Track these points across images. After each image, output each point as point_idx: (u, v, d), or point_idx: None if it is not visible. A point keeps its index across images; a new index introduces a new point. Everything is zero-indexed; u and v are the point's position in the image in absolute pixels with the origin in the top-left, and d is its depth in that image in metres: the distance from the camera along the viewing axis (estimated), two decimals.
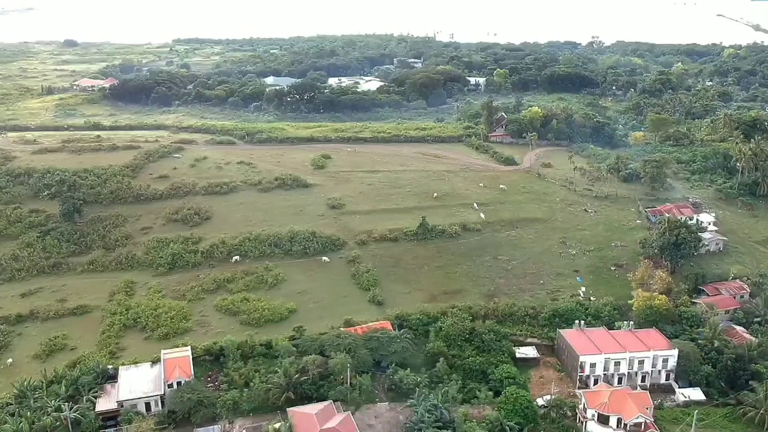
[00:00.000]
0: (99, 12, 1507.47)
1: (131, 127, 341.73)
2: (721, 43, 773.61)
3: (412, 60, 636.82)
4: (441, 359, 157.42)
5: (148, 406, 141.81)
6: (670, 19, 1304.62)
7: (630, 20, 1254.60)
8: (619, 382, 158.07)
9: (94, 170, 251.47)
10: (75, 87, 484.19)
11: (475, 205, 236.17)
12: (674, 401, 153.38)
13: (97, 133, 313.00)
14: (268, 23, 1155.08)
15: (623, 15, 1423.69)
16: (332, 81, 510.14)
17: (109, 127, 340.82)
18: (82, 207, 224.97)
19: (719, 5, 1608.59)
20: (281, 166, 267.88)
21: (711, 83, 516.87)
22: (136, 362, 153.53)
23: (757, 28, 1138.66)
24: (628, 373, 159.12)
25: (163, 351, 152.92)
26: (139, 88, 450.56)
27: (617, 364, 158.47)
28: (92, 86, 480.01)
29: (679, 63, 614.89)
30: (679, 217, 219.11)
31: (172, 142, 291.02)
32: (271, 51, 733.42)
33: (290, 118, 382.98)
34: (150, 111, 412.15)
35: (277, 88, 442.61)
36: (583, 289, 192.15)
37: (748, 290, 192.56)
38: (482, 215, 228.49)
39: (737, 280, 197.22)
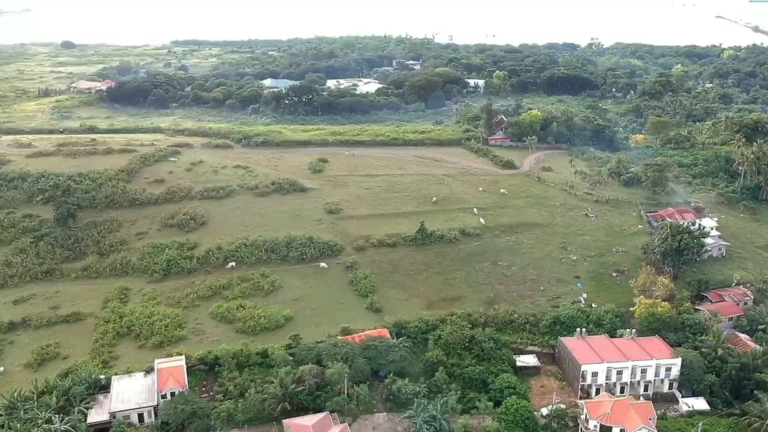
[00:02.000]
0: (96, 13, 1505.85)
1: (127, 130, 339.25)
2: (721, 44, 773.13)
3: (411, 62, 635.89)
4: (440, 368, 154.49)
5: (141, 417, 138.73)
6: (669, 21, 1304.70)
7: (629, 22, 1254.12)
8: (622, 391, 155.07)
9: (89, 174, 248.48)
10: (72, 89, 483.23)
11: (474, 209, 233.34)
12: (678, 411, 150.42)
13: (92, 136, 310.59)
14: (267, 25, 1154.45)
15: (622, 17, 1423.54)
16: (330, 83, 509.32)
17: (105, 130, 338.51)
18: (77, 212, 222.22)
19: (718, 7, 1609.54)
20: (278, 170, 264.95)
21: (711, 85, 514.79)
22: (129, 372, 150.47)
23: (756, 29, 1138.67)
24: (631, 382, 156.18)
25: (156, 360, 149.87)
26: (136, 90, 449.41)
27: (619, 373, 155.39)
28: (89, 88, 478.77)
29: (679, 65, 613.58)
30: (681, 222, 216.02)
31: (168, 146, 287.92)
32: (269, 53, 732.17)
33: (288, 121, 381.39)
34: (147, 113, 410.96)
35: (275, 90, 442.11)
36: (585, 295, 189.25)
37: (752, 297, 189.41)
38: (482, 220, 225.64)
39: (741, 287, 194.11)
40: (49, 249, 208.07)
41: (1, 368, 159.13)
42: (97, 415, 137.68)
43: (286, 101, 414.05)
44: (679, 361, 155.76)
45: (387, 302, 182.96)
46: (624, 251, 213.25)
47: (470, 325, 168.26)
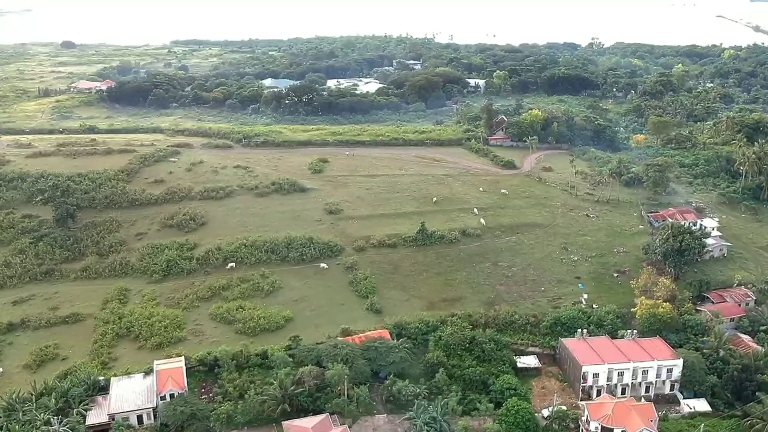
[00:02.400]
0: (97, 13, 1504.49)
1: (127, 130, 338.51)
2: (721, 44, 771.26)
3: (411, 62, 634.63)
4: (440, 369, 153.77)
5: (140, 419, 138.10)
6: (669, 21, 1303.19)
7: (629, 21, 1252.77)
8: (623, 392, 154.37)
9: (88, 175, 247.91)
10: (72, 89, 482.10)
11: (475, 210, 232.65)
12: (679, 413, 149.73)
13: (92, 136, 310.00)
14: (267, 25, 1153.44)
15: (622, 16, 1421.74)
16: (331, 83, 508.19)
17: (105, 130, 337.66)
18: (76, 212, 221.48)
19: (719, 6, 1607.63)
20: (278, 170, 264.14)
21: (712, 85, 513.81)
22: (129, 373, 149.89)
23: (757, 29, 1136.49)
24: (632, 383, 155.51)
25: (155, 362, 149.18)
26: (137, 90, 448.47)
27: (621, 374, 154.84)
28: (89, 88, 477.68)
29: (680, 64, 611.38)
30: (682, 222, 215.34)
31: (168, 146, 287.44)
32: (270, 52, 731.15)
33: (288, 121, 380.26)
34: (147, 113, 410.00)
35: (275, 90, 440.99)
36: (585, 296, 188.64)
37: (754, 297, 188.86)
38: (482, 220, 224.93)
39: (742, 287, 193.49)
40: (48, 249, 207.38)
41: (1, 369, 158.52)
42: (96, 417, 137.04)
43: (287, 101, 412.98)
44: (680, 362, 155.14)
45: (387, 303, 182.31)
46: (625, 252, 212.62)
47: (471, 326, 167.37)
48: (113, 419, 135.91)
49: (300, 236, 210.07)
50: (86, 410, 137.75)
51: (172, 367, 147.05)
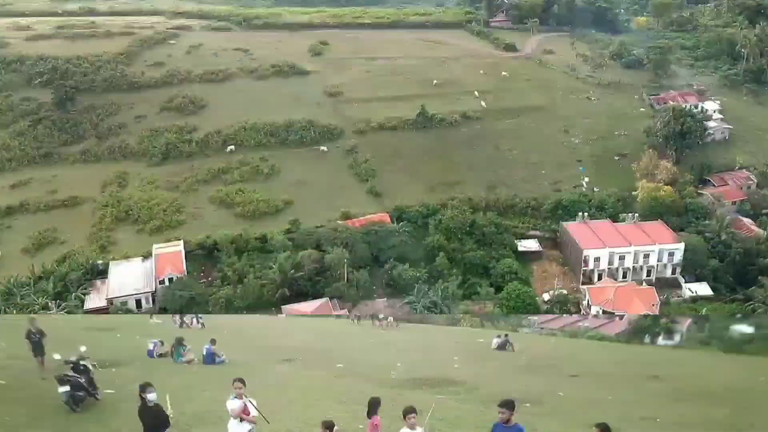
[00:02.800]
0: None
1: (127, 13, 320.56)
2: None
3: None
4: (441, 253, 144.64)
5: (138, 303, 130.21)
6: None
7: None
8: (624, 276, 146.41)
9: (87, 57, 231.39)
10: None
11: (475, 92, 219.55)
12: (681, 296, 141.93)
13: (92, 18, 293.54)
14: None
15: None
16: None
17: (105, 12, 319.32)
18: (75, 95, 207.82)
19: None
20: (278, 52, 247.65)
21: None
22: (127, 257, 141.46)
23: None
24: (633, 267, 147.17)
25: (154, 245, 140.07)
26: None
27: (622, 258, 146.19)
28: None
29: None
30: (683, 105, 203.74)
31: (167, 29, 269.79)
32: None
33: (288, 3, 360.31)
34: None
35: None
36: (587, 179, 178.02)
37: (755, 180, 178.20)
38: (483, 103, 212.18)
39: (744, 170, 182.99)
40: (47, 132, 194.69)
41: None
42: (94, 301, 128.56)
43: None
44: (682, 245, 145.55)
45: (387, 186, 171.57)
46: (626, 135, 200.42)
47: (471, 210, 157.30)
48: (112, 303, 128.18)
49: (300, 119, 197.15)
50: (84, 294, 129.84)
51: (171, 251, 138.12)
